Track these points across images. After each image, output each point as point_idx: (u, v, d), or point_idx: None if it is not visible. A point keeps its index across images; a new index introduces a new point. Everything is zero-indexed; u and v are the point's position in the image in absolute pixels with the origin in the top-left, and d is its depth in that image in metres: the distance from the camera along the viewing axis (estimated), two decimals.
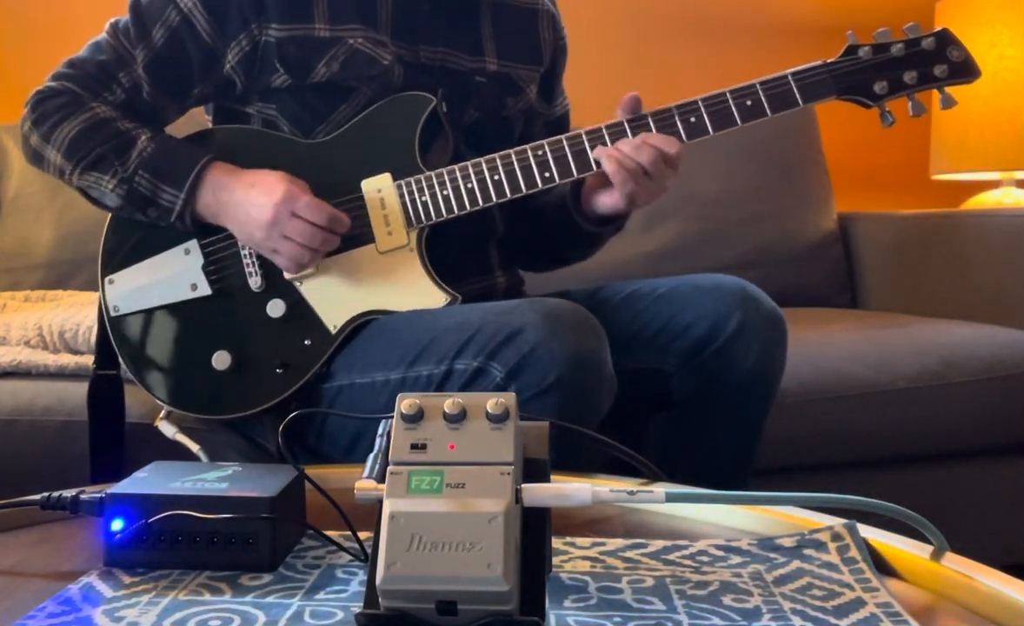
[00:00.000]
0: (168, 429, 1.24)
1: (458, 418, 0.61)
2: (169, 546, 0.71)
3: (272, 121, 1.26)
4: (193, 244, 1.24)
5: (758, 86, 1.20)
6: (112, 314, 1.24)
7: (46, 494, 0.78)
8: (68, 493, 0.77)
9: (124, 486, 0.75)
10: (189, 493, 0.73)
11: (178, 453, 1.22)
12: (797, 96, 1.20)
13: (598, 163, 1.20)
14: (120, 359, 1.26)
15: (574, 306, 1.10)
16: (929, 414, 1.58)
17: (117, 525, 0.72)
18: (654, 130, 1.20)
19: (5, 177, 2.01)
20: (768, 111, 1.20)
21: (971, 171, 2.38)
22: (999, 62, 2.23)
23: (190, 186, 1.19)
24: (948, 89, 1.20)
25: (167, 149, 1.22)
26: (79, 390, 1.34)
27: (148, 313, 1.24)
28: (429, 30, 1.28)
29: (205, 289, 1.23)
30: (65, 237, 1.94)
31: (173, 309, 1.23)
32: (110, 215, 1.27)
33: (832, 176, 2.30)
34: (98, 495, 0.74)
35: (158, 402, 1.24)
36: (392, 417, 0.62)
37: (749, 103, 1.20)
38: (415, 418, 0.61)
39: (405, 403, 0.62)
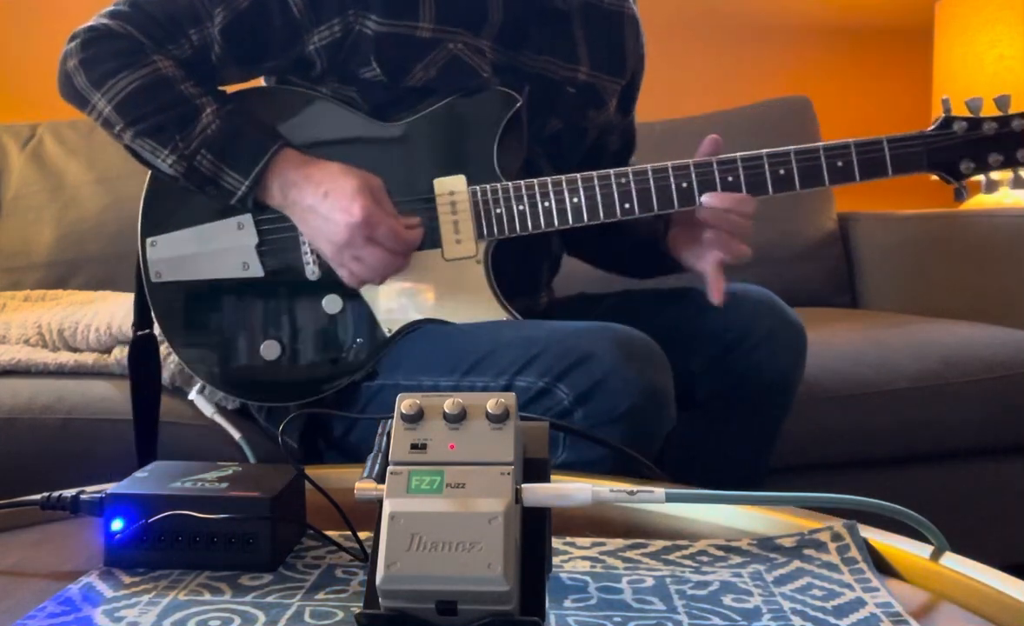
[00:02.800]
0: (206, 407, 1.21)
1: (458, 418, 0.61)
2: (169, 546, 0.71)
3: (349, 101, 1.19)
4: (247, 219, 1.17)
5: (852, 148, 1.17)
6: (154, 280, 1.19)
7: (46, 494, 0.77)
8: (68, 493, 0.77)
9: (124, 486, 0.74)
10: (189, 493, 0.73)
11: (177, 453, 1.22)
12: (888, 166, 1.17)
13: (723, 185, 1.16)
14: (158, 328, 1.21)
15: (644, 336, 1.08)
16: (929, 414, 1.58)
17: (117, 525, 0.72)
18: (742, 174, 1.16)
19: (5, 177, 2.01)
20: (857, 176, 1.18)
21: (991, 193, 2.38)
22: (999, 62, 2.23)
23: (257, 175, 1.12)
24: (1021, 171, 1.20)
25: (234, 129, 1.13)
26: (79, 388, 1.34)
27: (193, 285, 1.18)
28: (532, 36, 1.23)
29: (257, 270, 1.18)
30: (65, 237, 1.94)
31: (220, 286, 1.18)
32: (151, 173, 1.20)
33: None
34: (98, 495, 0.74)
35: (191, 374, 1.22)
36: (392, 417, 0.62)
37: (840, 164, 1.16)
38: (415, 418, 0.61)
39: (405, 403, 0.62)
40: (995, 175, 1.21)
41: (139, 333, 1.24)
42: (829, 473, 1.55)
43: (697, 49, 2.57)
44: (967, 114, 1.19)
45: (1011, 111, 1.18)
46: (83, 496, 0.75)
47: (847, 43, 2.51)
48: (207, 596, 0.67)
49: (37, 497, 0.78)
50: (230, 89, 1.22)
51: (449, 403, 0.61)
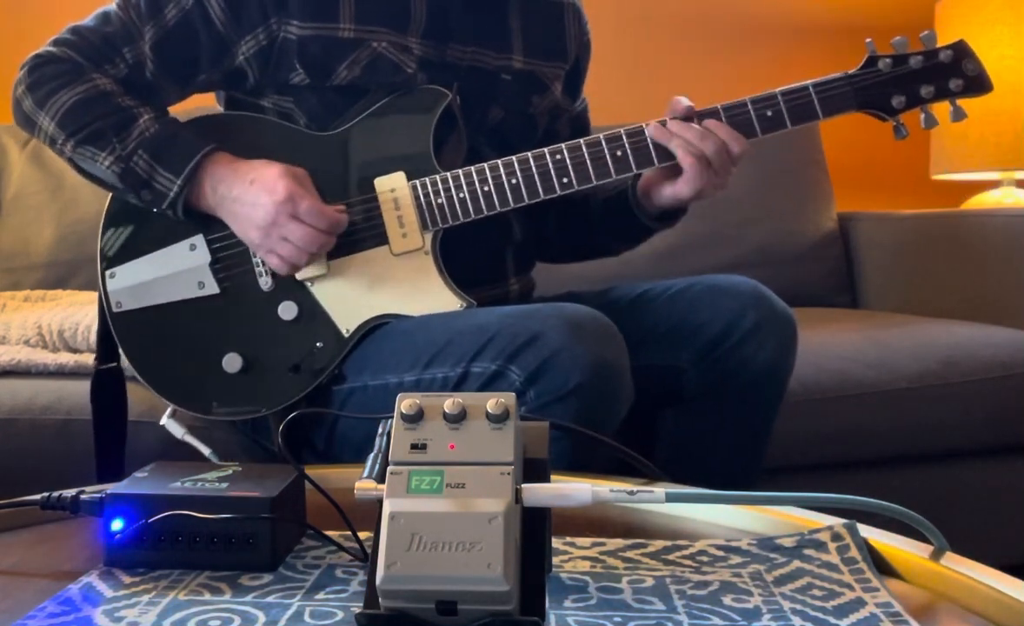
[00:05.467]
0: (176, 429, 1.23)
1: (458, 418, 0.61)
2: (169, 546, 0.71)
3: (288, 114, 1.24)
4: (199, 240, 1.21)
5: (779, 96, 1.19)
6: (115, 310, 1.22)
7: (46, 494, 0.78)
8: (68, 493, 0.77)
9: (124, 486, 0.75)
10: (189, 493, 0.73)
11: (177, 452, 1.22)
12: (818, 109, 1.19)
13: (658, 151, 1.18)
14: (123, 356, 1.24)
15: (595, 313, 1.09)
16: (929, 414, 1.58)
17: (117, 525, 0.72)
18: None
19: (5, 177, 2.01)
20: (788, 123, 1.19)
21: (971, 171, 2.38)
22: (999, 62, 2.23)
23: (188, 174, 1.16)
24: (959, 102, 1.20)
25: (169, 133, 1.18)
26: (79, 388, 1.34)
27: (153, 310, 1.21)
28: (461, 29, 1.26)
29: (213, 288, 1.21)
30: (65, 237, 1.94)
31: (179, 307, 1.21)
32: (107, 206, 1.23)
33: (832, 176, 2.30)
34: (98, 495, 0.74)
35: (161, 400, 1.24)
36: (392, 417, 0.62)
37: (769, 113, 1.18)
38: (415, 418, 0.61)
39: (405, 403, 0.62)
40: (933, 109, 1.21)
41: (102, 366, 1.26)
42: (829, 473, 1.55)
43: (696, 49, 2.57)
44: (913, 49, 1.20)
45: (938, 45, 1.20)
46: (83, 496, 0.76)
47: (847, 43, 2.51)
48: (207, 596, 0.67)
49: (37, 497, 0.78)
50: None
51: (449, 403, 0.61)
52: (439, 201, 1.19)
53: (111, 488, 0.74)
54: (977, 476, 1.65)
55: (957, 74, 1.19)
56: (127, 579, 0.69)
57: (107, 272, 1.22)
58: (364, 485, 0.62)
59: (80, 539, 0.78)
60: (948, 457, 1.63)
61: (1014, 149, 2.25)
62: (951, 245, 2.04)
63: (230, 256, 1.21)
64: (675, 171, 1.21)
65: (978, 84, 1.20)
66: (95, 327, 1.46)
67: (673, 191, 1.22)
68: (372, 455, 0.65)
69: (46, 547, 0.78)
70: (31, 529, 0.82)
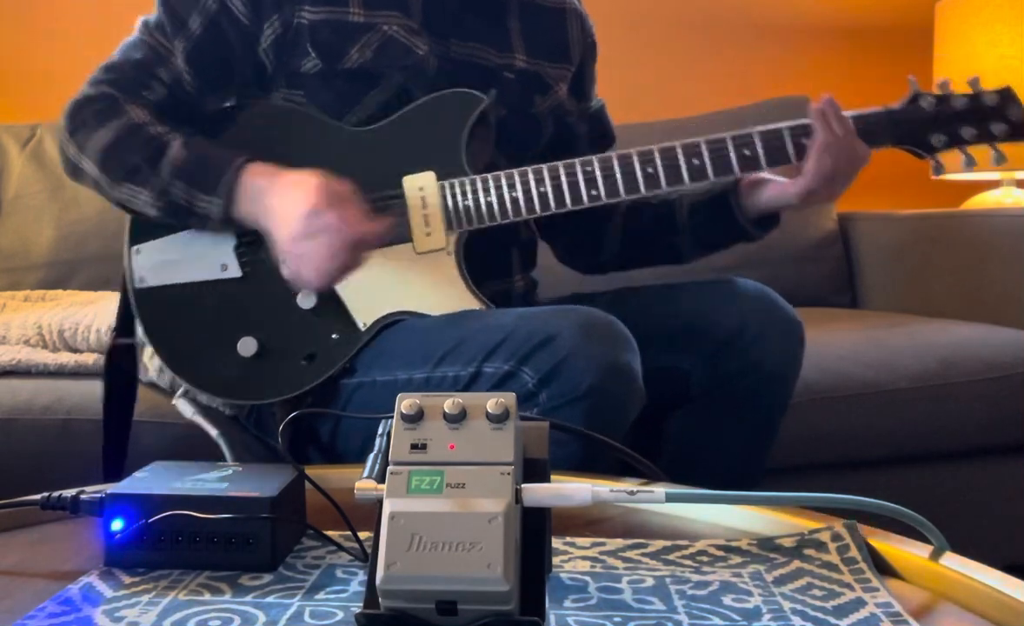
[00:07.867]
0: (186, 409, 1.22)
1: (458, 418, 0.61)
2: (169, 546, 0.71)
3: (301, 108, 1.23)
4: None
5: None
6: (137, 286, 1.21)
7: (46, 494, 0.77)
8: (68, 493, 0.77)
9: (124, 486, 0.75)
10: (189, 493, 0.73)
11: (177, 452, 1.22)
12: None
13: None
14: (141, 331, 1.23)
15: (608, 316, 1.09)
16: (929, 414, 1.58)
17: (117, 525, 0.72)
18: (707, 156, 1.19)
19: (5, 177, 2.01)
20: None
21: (971, 171, 2.38)
22: (999, 62, 2.23)
23: (227, 189, 1.14)
24: (1001, 146, 1.19)
25: (199, 155, 1.17)
26: (78, 388, 1.34)
27: (174, 288, 1.21)
28: (459, 25, 1.26)
29: (235, 271, 1.20)
30: (65, 237, 1.94)
31: (201, 287, 1.21)
32: None
33: None
34: (98, 495, 0.74)
35: (170, 386, 1.23)
36: (392, 417, 0.62)
37: (805, 141, 1.19)
38: (415, 418, 0.61)
39: (405, 403, 0.62)
40: (974, 151, 1.21)
41: (119, 340, 1.26)
42: (829, 473, 1.55)
43: (697, 49, 2.57)
44: (957, 91, 1.20)
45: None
46: (83, 496, 0.75)
47: (847, 43, 2.52)
48: (207, 596, 0.67)
49: (37, 497, 0.78)
50: None
51: (449, 403, 0.61)
52: (466, 203, 1.19)
53: (111, 488, 0.74)
54: (977, 476, 1.65)
55: (1001, 119, 1.19)
56: (127, 579, 0.69)
57: (132, 248, 1.22)
58: (364, 485, 0.62)
59: (80, 539, 0.78)
60: (948, 457, 1.63)
61: (1014, 149, 2.25)
62: (951, 245, 2.04)
63: (255, 240, 1.20)
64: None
65: (1022, 131, 1.19)
66: (95, 326, 1.47)
67: (777, 190, 1.23)
68: (372, 455, 0.65)
69: (46, 547, 0.78)
70: (31, 529, 0.82)
